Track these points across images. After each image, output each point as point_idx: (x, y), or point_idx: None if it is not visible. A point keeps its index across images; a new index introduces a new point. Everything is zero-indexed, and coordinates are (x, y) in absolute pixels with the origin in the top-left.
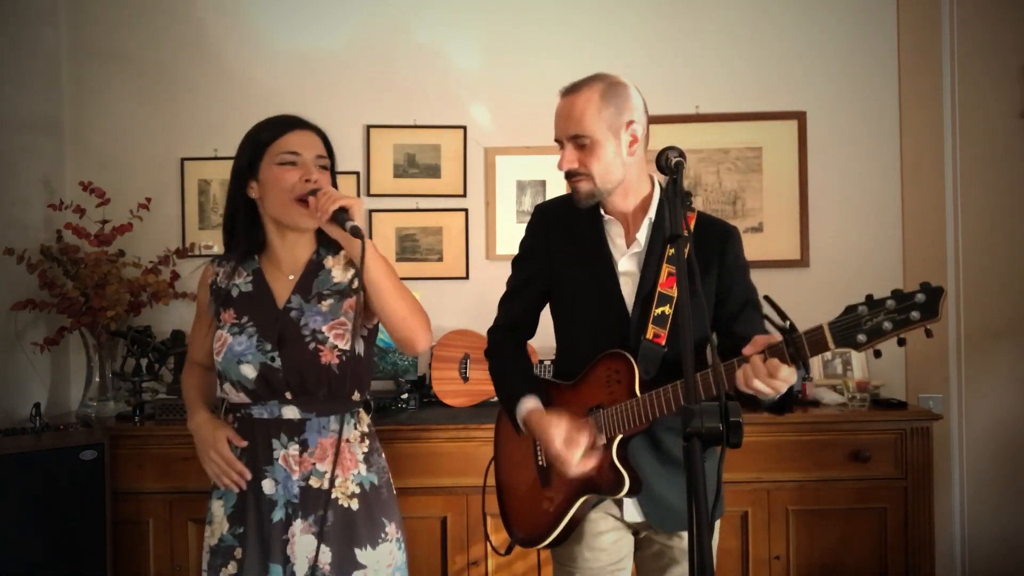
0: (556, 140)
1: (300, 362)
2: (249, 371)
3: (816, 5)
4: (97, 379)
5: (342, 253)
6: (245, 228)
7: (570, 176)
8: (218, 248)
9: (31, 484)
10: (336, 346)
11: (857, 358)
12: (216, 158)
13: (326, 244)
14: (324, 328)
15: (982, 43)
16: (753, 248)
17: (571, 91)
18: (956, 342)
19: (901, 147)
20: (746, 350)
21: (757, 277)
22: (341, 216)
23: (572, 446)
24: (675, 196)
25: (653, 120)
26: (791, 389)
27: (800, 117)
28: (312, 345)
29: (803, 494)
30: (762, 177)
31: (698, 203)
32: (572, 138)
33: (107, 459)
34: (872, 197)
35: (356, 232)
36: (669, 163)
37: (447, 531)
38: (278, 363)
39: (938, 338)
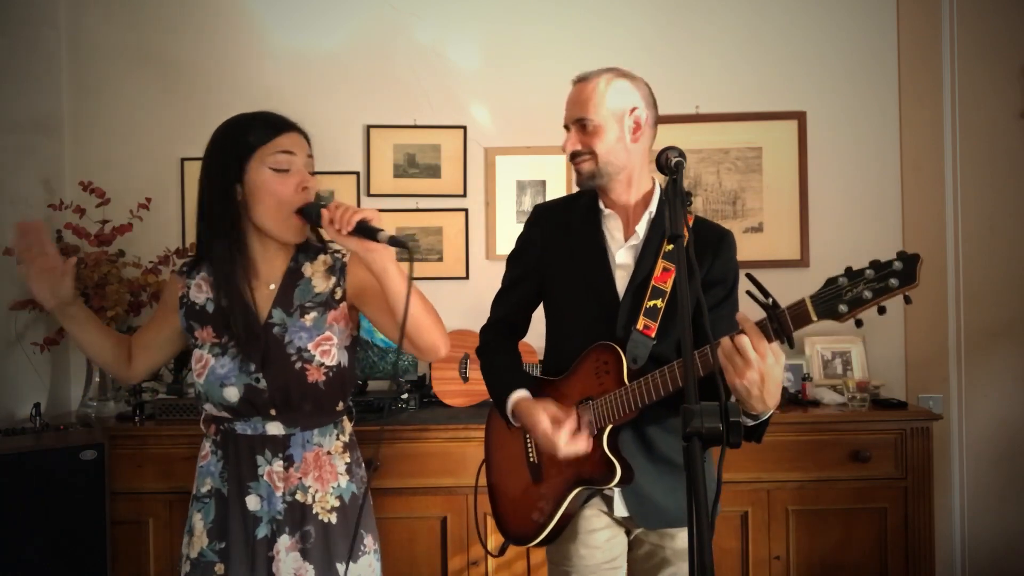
0: (564, 126)
1: (285, 382)
2: (232, 394)
3: (816, 5)
4: (97, 379)
5: (321, 259)
6: (226, 233)
7: (574, 157)
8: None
9: (31, 484)
10: (323, 363)
11: (857, 358)
12: None
13: (304, 250)
14: (310, 346)
15: (982, 43)
16: (753, 248)
17: (581, 79)
18: (956, 342)
19: (901, 147)
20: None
21: (757, 276)
22: (367, 227)
23: (558, 425)
24: (675, 196)
25: None
26: (767, 420)
27: (800, 117)
28: (298, 364)
29: (803, 494)
30: (762, 177)
31: (698, 203)
32: (576, 121)
33: (107, 459)
34: (872, 197)
35: (397, 242)
36: (669, 163)
37: (447, 531)
38: (263, 384)
39: (938, 338)
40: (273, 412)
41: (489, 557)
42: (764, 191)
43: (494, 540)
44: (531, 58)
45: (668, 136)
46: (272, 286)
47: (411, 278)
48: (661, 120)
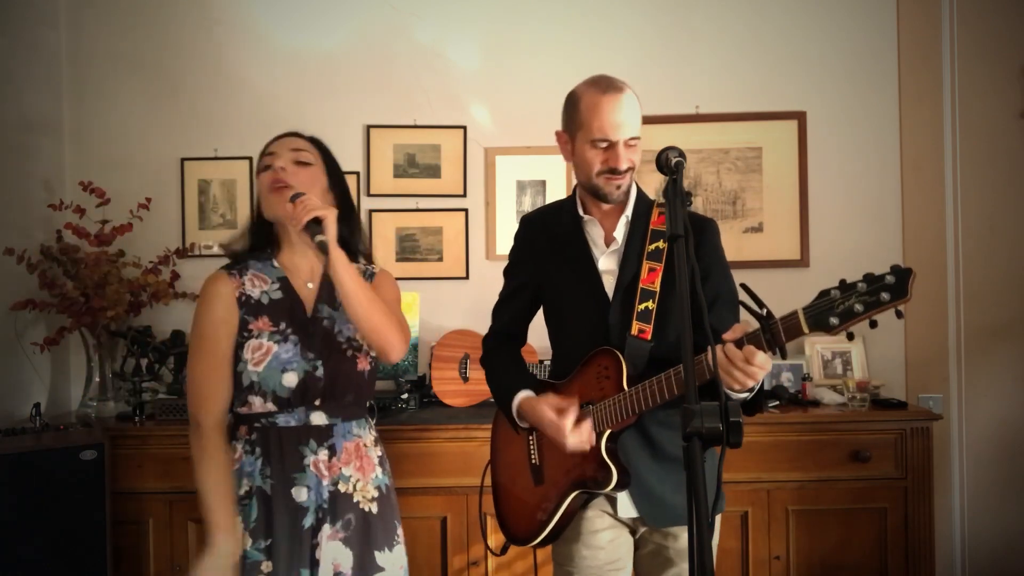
0: (602, 141)
1: (338, 370)
2: (291, 379)
3: (816, 5)
4: (97, 379)
5: (354, 266)
6: (262, 236)
7: (617, 173)
8: (219, 248)
9: (31, 484)
10: (368, 353)
11: (857, 358)
12: (216, 158)
13: None
14: (357, 336)
15: (982, 43)
16: (753, 248)
17: (617, 88)
18: (956, 342)
19: (901, 147)
20: (725, 336)
21: (757, 277)
22: (313, 228)
23: (563, 415)
24: (675, 196)
25: (653, 120)
26: (761, 388)
27: (800, 117)
28: (349, 352)
29: (803, 494)
30: (762, 177)
31: (698, 203)
32: (630, 138)
33: (107, 459)
34: (872, 197)
35: (323, 247)
36: (669, 163)
37: (447, 531)
38: (320, 372)
39: (938, 338)
40: (318, 402)
41: (489, 557)
42: (764, 191)
43: (494, 540)
44: (531, 58)
45: (668, 136)
46: (310, 285)
47: (324, 274)
48: (661, 120)
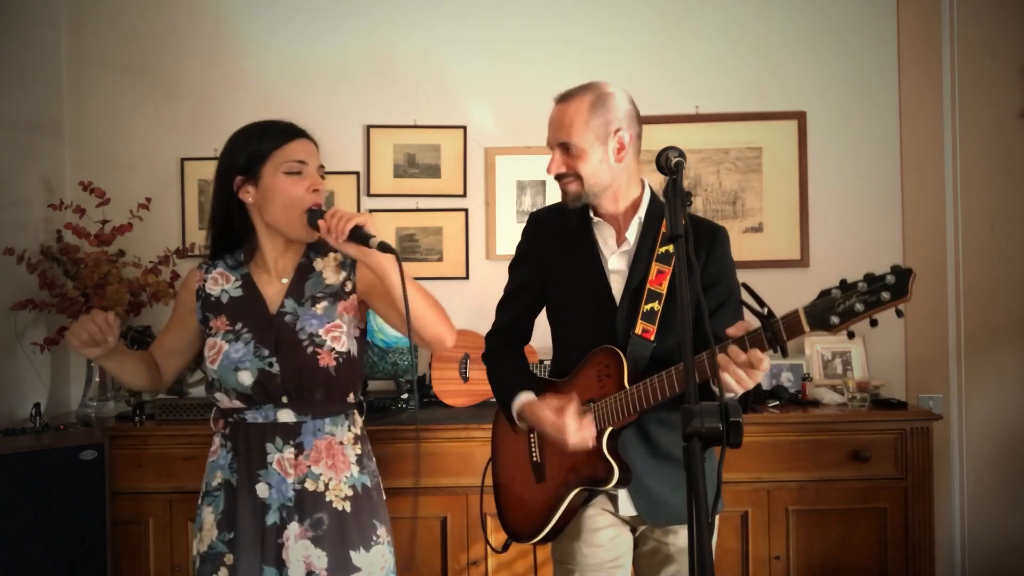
0: (548, 145)
1: (298, 366)
2: (246, 377)
3: (816, 5)
4: (97, 379)
5: (331, 255)
6: (240, 231)
7: (559, 178)
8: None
9: (31, 484)
10: (334, 348)
11: (857, 358)
12: (216, 158)
13: (315, 247)
14: (321, 331)
15: (982, 43)
16: (753, 248)
17: (563, 99)
18: (956, 342)
19: (901, 147)
20: (730, 331)
21: (757, 277)
22: (361, 234)
23: (562, 414)
24: (675, 196)
25: (653, 120)
26: (755, 388)
27: (800, 117)
28: (310, 349)
29: (803, 494)
30: (762, 177)
31: (698, 203)
32: (560, 145)
33: (107, 459)
34: (872, 197)
35: (385, 247)
36: (669, 163)
37: (447, 531)
38: (276, 368)
39: (938, 338)
40: (285, 400)
41: (490, 557)
42: (764, 191)
43: (495, 538)
44: (531, 58)
45: (668, 136)
46: (284, 280)
47: (403, 277)
48: (661, 120)
